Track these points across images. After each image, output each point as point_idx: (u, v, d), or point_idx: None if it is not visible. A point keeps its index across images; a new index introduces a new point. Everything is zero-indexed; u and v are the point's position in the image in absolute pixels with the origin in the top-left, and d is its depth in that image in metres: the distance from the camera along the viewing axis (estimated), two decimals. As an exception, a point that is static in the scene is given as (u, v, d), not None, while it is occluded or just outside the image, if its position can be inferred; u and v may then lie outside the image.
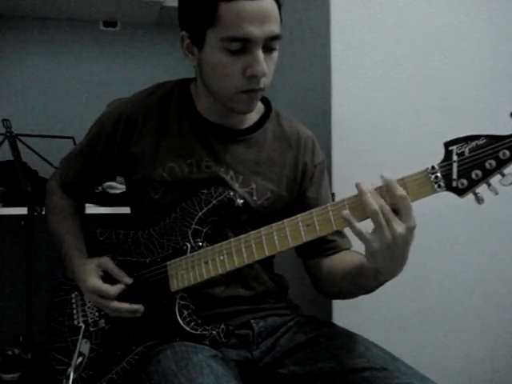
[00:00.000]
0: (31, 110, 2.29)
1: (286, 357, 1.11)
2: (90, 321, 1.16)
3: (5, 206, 1.84)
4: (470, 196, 0.88)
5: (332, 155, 1.56)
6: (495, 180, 0.86)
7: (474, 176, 0.86)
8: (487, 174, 0.85)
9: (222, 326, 1.07)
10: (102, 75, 2.39)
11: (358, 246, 0.98)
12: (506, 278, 1.69)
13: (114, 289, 1.09)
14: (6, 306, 2.19)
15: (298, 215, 0.97)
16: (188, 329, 1.06)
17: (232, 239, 1.03)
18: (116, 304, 1.08)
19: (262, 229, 1.00)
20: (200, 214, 1.09)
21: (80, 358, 1.12)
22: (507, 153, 0.84)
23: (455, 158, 0.87)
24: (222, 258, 1.03)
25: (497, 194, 0.85)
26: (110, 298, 1.09)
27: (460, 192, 0.88)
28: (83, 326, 1.15)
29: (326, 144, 1.53)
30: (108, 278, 1.12)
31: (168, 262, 1.09)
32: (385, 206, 0.87)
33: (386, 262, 0.90)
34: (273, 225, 0.99)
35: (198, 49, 1.05)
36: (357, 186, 0.90)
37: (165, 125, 1.15)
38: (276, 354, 1.13)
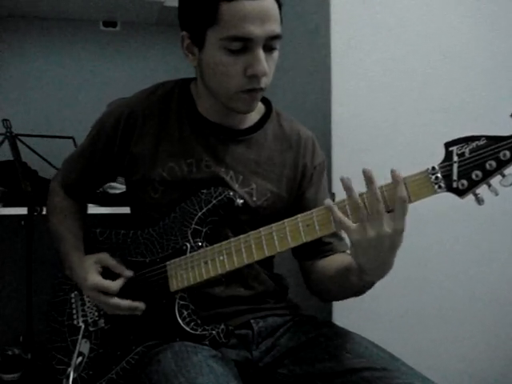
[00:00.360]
0: (31, 110, 2.29)
1: (286, 357, 1.11)
2: (90, 321, 1.16)
3: (5, 205, 1.84)
4: (470, 197, 0.88)
5: (332, 155, 1.56)
6: (495, 181, 0.86)
7: (474, 177, 0.86)
8: (487, 175, 0.85)
9: (222, 326, 1.07)
10: (102, 75, 2.39)
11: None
12: (506, 279, 1.69)
13: (115, 284, 1.09)
14: (6, 306, 2.19)
15: (298, 215, 0.97)
16: (188, 329, 1.06)
17: (232, 239, 1.03)
18: (117, 300, 1.09)
19: (261, 229, 1.00)
20: (200, 213, 1.09)
21: (80, 358, 1.13)
22: (507, 153, 0.84)
23: (455, 158, 0.87)
24: (221, 258, 1.03)
25: (497, 194, 0.85)
26: (111, 294, 1.09)
27: (460, 193, 0.88)
28: (83, 326, 1.15)
29: (326, 144, 1.53)
30: (107, 274, 1.12)
31: (168, 262, 1.09)
32: (379, 203, 0.87)
33: (369, 259, 0.91)
34: (272, 225, 0.99)
35: (198, 49, 1.05)
36: (341, 180, 0.90)
37: (165, 125, 1.15)
38: (276, 354, 1.13)
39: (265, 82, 1.04)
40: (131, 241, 1.15)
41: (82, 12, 2.29)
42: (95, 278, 1.10)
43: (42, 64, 2.35)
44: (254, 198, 1.14)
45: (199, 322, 1.07)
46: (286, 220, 0.98)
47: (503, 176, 0.85)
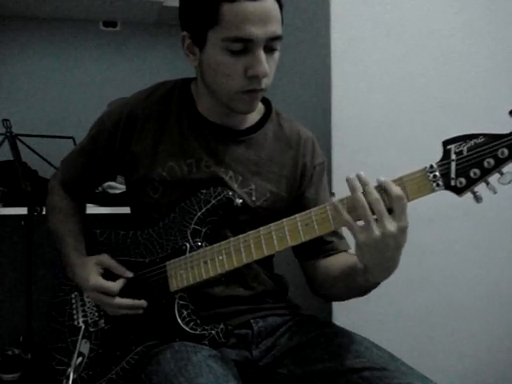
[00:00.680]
0: (31, 110, 2.29)
1: (286, 357, 1.11)
2: (90, 321, 1.16)
3: (5, 206, 1.84)
4: (468, 195, 0.88)
5: (332, 155, 1.56)
6: (494, 179, 0.86)
7: (472, 175, 0.86)
8: (486, 173, 0.85)
9: (222, 326, 1.07)
10: (102, 75, 2.40)
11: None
12: (506, 278, 1.69)
13: (116, 285, 1.10)
14: (6, 306, 2.19)
15: (297, 215, 0.97)
16: (187, 329, 1.06)
17: (231, 239, 1.03)
18: (118, 300, 1.09)
19: (260, 228, 1.00)
20: (199, 213, 1.09)
21: (80, 358, 1.13)
22: (506, 151, 0.84)
23: (453, 156, 0.87)
24: (221, 257, 1.03)
25: (495, 192, 0.85)
26: (112, 295, 1.09)
27: (458, 191, 0.87)
28: (83, 327, 1.15)
29: (326, 144, 1.53)
30: (108, 275, 1.12)
31: (167, 262, 1.09)
32: (379, 202, 0.87)
33: (375, 260, 0.90)
34: (271, 224, 0.99)
35: (199, 49, 1.05)
36: (347, 180, 0.90)
37: (165, 124, 1.15)
38: (276, 354, 1.13)
39: (265, 82, 1.04)
40: (131, 241, 1.15)
41: (82, 12, 2.30)
42: (97, 280, 1.10)
43: (42, 64, 2.36)
44: (254, 198, 1.14)
45: (199, 321, 1.07)
46: (284, 219, 0.98)
47: (501, 174, 0.85)
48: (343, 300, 1.14)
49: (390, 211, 0.88)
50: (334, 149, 1.56)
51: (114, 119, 1.16)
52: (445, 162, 0.88)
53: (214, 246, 1.05)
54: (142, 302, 1.09)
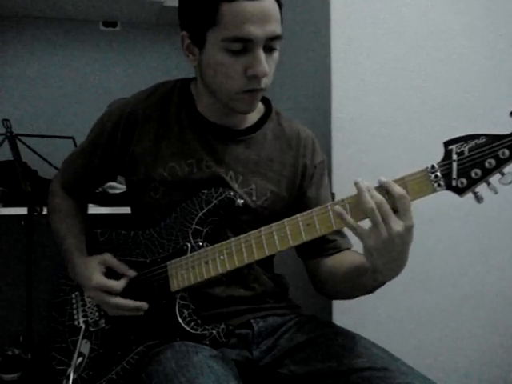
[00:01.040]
0: (31, 110, 2.29)
1: (286, 357, 1.11)
2: (91, 321, 1.16)
3: (5, 206, 1.84)
4: (469, 195, 0.88)
5: (332, 155, 1.56)
6: (495, 179, 0.86)
7: (473, 175, 0.86)
8: (487, 173, 0.86)
9: (222, 326, 1.07)
10: (102, 75, 2.39)
11: (358, 245, 0.98)
12: (506, 278, 1.69)
13: (119, 284, 1.10)
14: (6, 306, 2.19)
15: (298, 215, 0.97)
16: (188, 329, 1.06)
17: (232, 239, 1.03)
18: (120, 300, 1.09)
19: (262, 228, 1.00)
20: (200, 214, 1.09)
21: (80, 359, 1.13)
22: (507, 152, 0.84)
23: (455, 157, 0.87)
24: (222, 257, 1.03)
25: (496, 193, 0.86)
26: (115, 294, 1.09)
27: (460, 191, 0.88)
28: (83, 327, 1.15)
29: (326, 144, 1.53)
30: (110, 274, 1.12)
31: (168, 262, 1.09)
32: (384, 203, 0.88)
33: (383, 261, 0.91)
34: (273, 224, 0.99)
35: (198, 49, 1.05)
36: (355, 184, 0.91)
37: (165, 125, 1.15)
38: (276, 354, 1.13)
39: (265, 82, 1.04)
40: (132, 241, 1.15)
41: (82, 12, 2.29)
42: (100, 278, 1.10)
43: (42, 64, 2.35)
44: (254, 198, 1.14)
45: (199, 321, 1.07)
46: (286, 219, 0.98)
47: (502, 174, 0.85)
48: (348, 298, 1.14)
49: (394, 211, 0.88)
50: (333, 149, 1.56)
51: (114, 120, 1.16)
52: (446, 162, 0.88)
53: (215, 245, 1.05)
54: (143, 304, 1.09)
